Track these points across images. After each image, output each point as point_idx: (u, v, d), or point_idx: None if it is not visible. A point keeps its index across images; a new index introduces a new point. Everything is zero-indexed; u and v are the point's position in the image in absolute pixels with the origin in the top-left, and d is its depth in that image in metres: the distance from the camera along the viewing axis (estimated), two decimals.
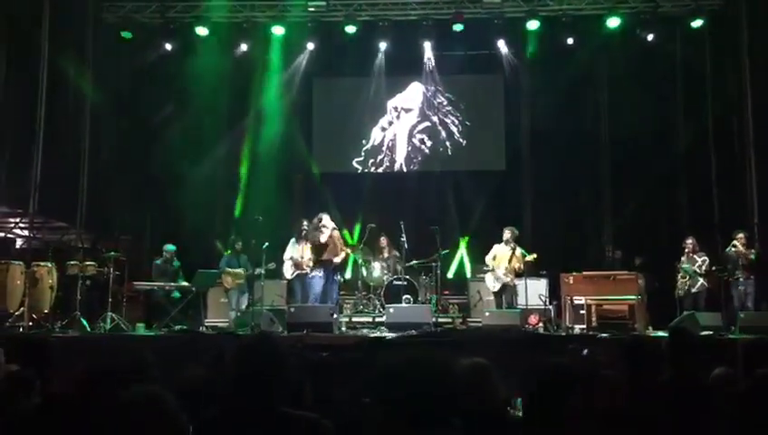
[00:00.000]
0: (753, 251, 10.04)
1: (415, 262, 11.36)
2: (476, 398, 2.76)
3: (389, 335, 8.69)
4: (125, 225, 12.23)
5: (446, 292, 11.92)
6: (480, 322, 9.92)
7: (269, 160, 13.43)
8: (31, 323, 8.98)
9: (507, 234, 10.27)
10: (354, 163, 14.14)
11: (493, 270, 10.34)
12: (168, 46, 12.73)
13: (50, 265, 9.40)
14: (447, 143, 14.11)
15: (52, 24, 10.81)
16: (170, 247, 10.74)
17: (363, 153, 14.18)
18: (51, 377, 3.54)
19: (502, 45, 12.99)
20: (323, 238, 10.16)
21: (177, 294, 10.26)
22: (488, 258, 10.40)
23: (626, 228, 12.46)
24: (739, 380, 3.74)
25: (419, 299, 10.90)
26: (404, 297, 10.78)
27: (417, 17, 12.70)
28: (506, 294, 10.22)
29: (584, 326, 9.51)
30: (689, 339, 3.63)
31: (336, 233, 10.33)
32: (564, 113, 12.97)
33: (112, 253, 9.87)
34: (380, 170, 14.17)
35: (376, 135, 14.24)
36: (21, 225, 11.06)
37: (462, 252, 13.07)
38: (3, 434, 2.82)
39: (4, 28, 10.48)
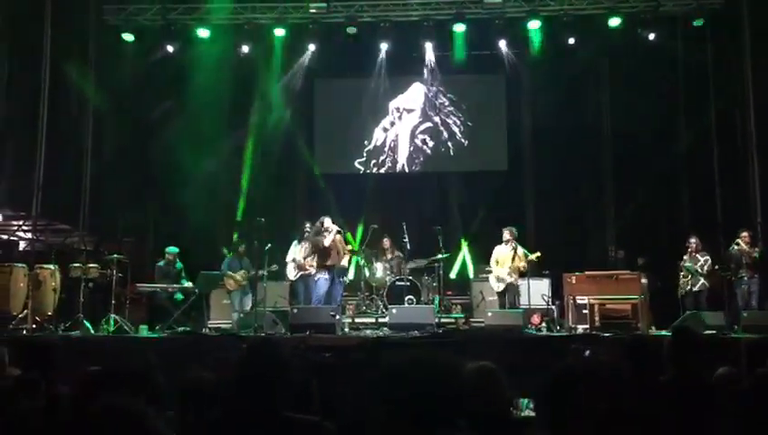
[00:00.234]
0: (756, 250, 10.03)
1: (417, 262, 11.36)
2: (483, 400, 2.76)
3: (392, 336, 8.70)
4: (128, 227, 12.25)
5: (449, 292, 11.92)
6: (483, 322, 9.91)
7: (271, 162, 13.46)
8: (34, 326, 9.00)
9: (507, 234, 10.25)
10: (356, 164, 14.15)
11: (494, 272, 10.32)
12: (170, 48, 12.74)
13: (53, 267, 9.42)
14: (449, 143, 14.11)
15: (55, 26, 10.82)
16: (173, 249, 10.76)
17: (365, 154, 14.19)
18: (54, 379, 3.55)
19: (503, 45, 12.97)
20: (326, 242, 10.13)
21: (179, 296, 10.28)
22: (492, 262, 10.38)
23: (628, 228, 12.45)
24: (742, 379, 3.74)
25: (422, 300, 10.91)
26: (407, 298, 10.78)
27: (419, 18, 12.69)
28: (509, 293, 10.20)
29: (587, 326, 9.50)
30: (692, 338, 3.62)
31: (339, 236, 10.31)
32: (566, 113, 12.97)
33: (115, 255, 9.88)
34: (382, 171, 14.18)
35: (378, 136, 14.25)
36: (24, 227, 11.07)
37: (464, 252, 13.06)
38: None
39: (7, 30, 10.50)
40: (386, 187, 13.76)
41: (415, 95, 14.31)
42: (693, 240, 10.32)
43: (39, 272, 9.30)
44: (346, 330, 9.85)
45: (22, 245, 11.18)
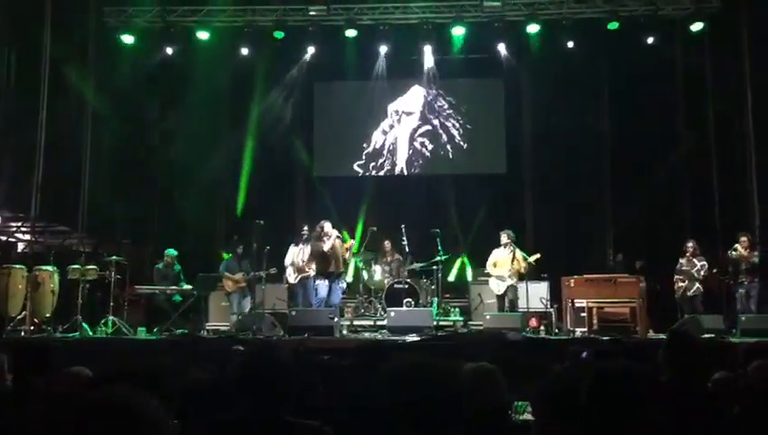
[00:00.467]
0: (756, 254, 10.03)
1: (416, 265, 11.37)
2: (481, 400, 2.76)
3: (391, 339, 8.70)
4: (126, 229, 12.26)
5: (447, 295, 11.92)
6: (481, 325, 9.92)
7: (270, 164, 13.48)
8: (33, 328, 9.00)
9: (504, 237, 10.26)
10: (355, 167, 14.16)
11: (494, 273, 10.33)
12: (169, 50, 12.75)
13: (52, 269, 9.41)
14: (448, 146, 14.13)
15: (54, 27, 10.84)
16: (172, 252, 10.76)
17: (364, 157, 14.19)
18: (53, 381, 3.55)
19: (502, 49, 12.99)
20: (326, 247, 10.09)
21: (178, 298, 10.28)
22: (489, 265, 10.38)
23: (627, 231, 12.47)
24: (739, 383, 3.74)
25: (420, 302, 10.90)
26: (405, 301, 10.78)
27: (418, 21, 12.71)
28: (509, 295, 10.21)
29: (585, 329, 9.51)
30: (688, 342, 3.63)
31: (338, 241, 10.29)
32: (565, 116, 12.98)
33: (114, 257, 9.88)
34: (381, 174, 14.19)
35: (377, 138, 14.27)
36: (23, 229, 11.08)
37: (463, 255, 13.06)
38: None
39: (7, 31, 10.51)
40: (385, 189, 13.77)
41: (414, 98, 14.32)
42: (690, 244, 10.32)
43: (38, 273, 9.29)
44: (344, 332, 9.85)
45: (20, 246, 11.19)
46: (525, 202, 13.65)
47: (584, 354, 4.57)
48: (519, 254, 10.18)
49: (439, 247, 10.80)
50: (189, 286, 10.38)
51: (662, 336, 8.00)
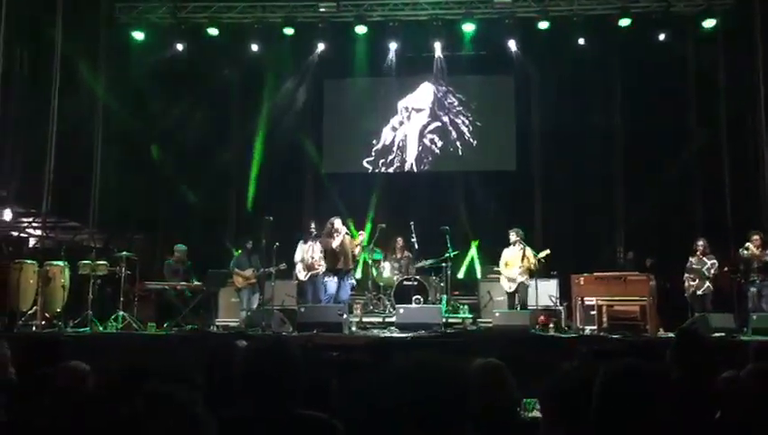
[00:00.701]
0: (767, 253, 9.95)
1: (426, 262, 11.36)
2: (489, 397, 2.75)
3: (399, 336, 8.70)
4: (137, 225, 12.31)
5: (457, 292, 11.90)
6: (490, 322, 9.90)
7: (280, 161, 13.50)
8: (44, 322, 9.05)
9: (513, 236, 10.23)
10: (365, 163, 14.16)
11: (504, 273, 10.31)
12: (180, 46, 12.78)
13: (62, 264, 9.46)
14: (458, 143, 14.10)
15: (66, 24, 10.89)
16: (182, 247, 10.80)
17: (374, 153, 14.19)
18: (63, 376, 3.57)
19: (513, 45, 12.94)
20: (335, 244, 10.09)
21: (188, 294, 10.31)
22: (501, 265, 10.36)
23: (638, 229, 12.41)
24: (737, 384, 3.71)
25: (429, 299, 10.88)
26: (414, 298, 10.77)
27: (428, 17, 12.69)
28: (520, 293, 10.19)
29: (595, 327, 9.47)
30: (697, 340, 3.61)
31: (348, 238, 10.30)
32: (575, 113, 12.92)
33: (124, 252, 9.93)
34: (391, 170, 14.18)
35: (386, 135, 14.25)
36: (34, 224, 11.15)
37: (472, 252, 13.05)
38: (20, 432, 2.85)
39: (19, 28, 10.56)
40: (394, 186, 13.76)
41: (424, 95, 14.30)
42: (700, 242, 10.25)
43: (48, 269, 9.34)
44: (353, 329, 9.85)
45: (32, 241, 11.26)
46: (535, 199, 13.60)
47: (593, 354, 4.55)
48: (528, 251, 10.15)
49: (448, 245, 10.78)
50: (199, 282, 10.43)
51: (672, 335, 7.96)
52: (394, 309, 10.30)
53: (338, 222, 10.22)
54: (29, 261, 9.37)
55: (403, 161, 14.21)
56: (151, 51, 12.73)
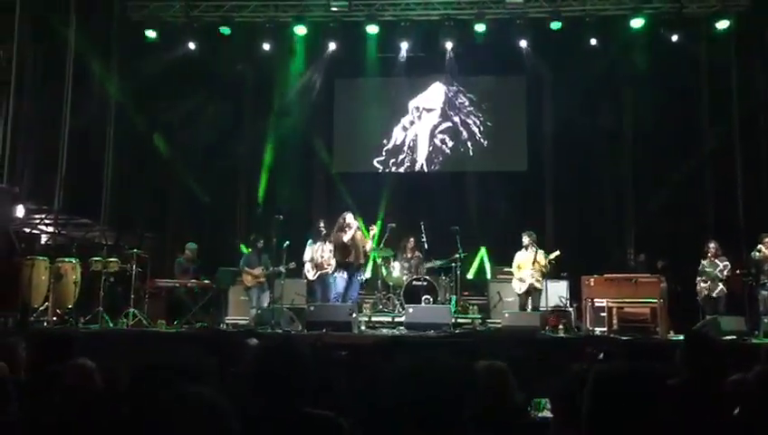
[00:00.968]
0: None
1: (436, 262, 11.35)
2: (493, 400, 2.76)
3: (409, 335, 8.70)
4: (148, 222, 12.38)
5: (466, 293, 11.89)
6: (500, 323, 9.88)
7: (290, 160, 13.53)
8: (55, 319, 9.12)
9: (526, 239, 10.24)
10: (375, 163, 14.16)
11: (516, 275, 10.30)
12: (192, 45, 12.83)
13: (74, 261, 9.53)
14: (469, 144, 14.07)
15: (79, 22, 10.97)
16: (192, 246, 10.86)
17: (384, 153, 14.19)
18: (70, 373, 3.59)
19: (524, 46, 12.90)
20: (346, 238, 10.12)
21: (197, 291, 10.36)
22: (513, 267, 10.36)
23: (649, 231, 12.34)
24: (758, 385, 3.69)
25: (439, 299, 10.88)
26: (423, 297, 10.76)
27: (439, 17, 12.68)
28: (533, 296, 10.17)
29: (605, 329, 9.44)
30: (706, 343, 3.60)
31: (359, 234, 10.32)
32: (587, 114, 12.87)
33: (135, 250, 9.99)
34: (401, 170, 14.17)
35: (397, 135, 14.25)
36: (46, 221, 11.22)
37: (482, 253, 13.02)
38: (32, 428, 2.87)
39: (33, 26, 10.64)
40: (404, 186, 13.75)
41: (435, 95, 14.28)
42: (712, 244, 10.19)
43: (60, 265, 9.41)
44: (362, 328, 9.87)
45: (43, 238, 11.33)
46: (546, 200, 13.55)
47: (602, 355, 4.55)
48: (540, 254, 10.15)
49: (458, 245, 10.77)
50: (209, 281, 10.47)
51: (682, 337, 7.92)
52: (403, 309, 10.31)
53: (349, 217, 10.25)
54: (41, 257, 9.44)
55: (414, 161, 14.20)
56: (164, 49, 12.78)
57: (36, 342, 4.06)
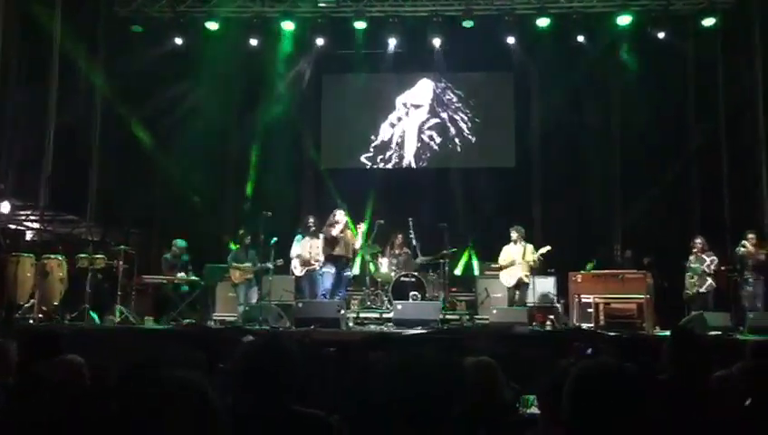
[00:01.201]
0: (763, 251, 9.98)
1: (424, 259, 11.37)
2: (481, 396, 2.77)
3: (397, 332, 8.71)
4: (134, 218, 12.31)
5: (454, 289, 11.92)
6: (488, 319, 9.92)
7: (278, 156, 13.47)
8: (41, 316, 9.05)
9: (514, 234, 10.29)
10: (363, 159, 14.15)
11: (507, 266, 10.34)
12: (179, 40, 12.76)
13: (60, 257, 9.46)
14: (457, 140, 14.09)
15: (65, 17, 10.88)
16: (180, 243, 10.81)
17: (372, 149, 14.18)
18: (59, 369, 3.57)
19: (512, 42, 12.93)
20: (334, 232, 10.17)
21: (185, 288, 10.33)
22: (501, 260, 10.40)
23: (636, 227, 12.41)
24: (745, 380, 3.73)
25: (427, 296, 10.90)
26: (411, 294, 10.78)
27: (427, 13, 12.68)
28: (521, 290, 10.22)
29: (592, 325, 9.49)
30: (692, 339, 3.62)
31: (349, 232, 10.34)
32: (574, 111, 12.94)
33: (122, 246, 9.93)
34: (389, 167, 14.17)
35: (385, 131, 14.24)
36: (31, 217, 11.14)
37: (470, 249, 13.04)
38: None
39: (18, 21, 10.54)
40: (392, 182, 13.75)
41: (422, 91, 14.29)
42: (698, 240, 10.27)
43: (46, 262, 9.34)
44: (351, 325, 9.87)
45: (29, 235, 11.24)
46: (534, 196, 13.61)
47: (589, 351, 4.58)
48: (529, 248, 10.19)
49: (446, 241, 10.80)
50: (197, 277, 10.43)
51: (668, 333, 7.97)
52: (391, 305, 10.32)
53: (339, 214, 10.27)
54: (26, 254, 9.35)
55: (401, 158, 14.20)
56: (150, 45, 12.70)
57: (22, 339, 4.03)
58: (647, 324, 9.34)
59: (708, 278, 10.07)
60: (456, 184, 13.50)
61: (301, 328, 8.56)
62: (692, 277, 10.19)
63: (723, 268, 10.10)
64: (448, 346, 6.83)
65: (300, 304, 9.52)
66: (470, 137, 14.05)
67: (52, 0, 10.80)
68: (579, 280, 10.07)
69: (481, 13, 12.49)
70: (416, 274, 11.14)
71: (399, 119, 14.27)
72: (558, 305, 10.35)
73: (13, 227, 10.99)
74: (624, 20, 12.20)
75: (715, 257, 10.10)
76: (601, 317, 9.54)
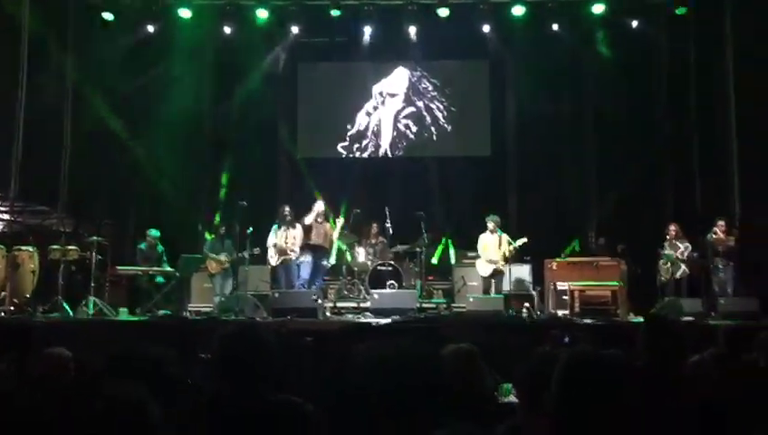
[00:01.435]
0: (732, 238, 10.17)
1: (401, 247, 11.38)
2: (462, 382, 2.77)
3: (374, 321, 8.72)
4: (107, 209, 12.15)
5: (431, 277, 11.95)
6: (464, 307, 9.97)
7: (254, 145, 13.37)
8: (12, 308, 8.92)
9: (491, 224, 10.35)
10: (339, 148, 14.09)
11: (483, 257, 10.39)
12: (151, 28, 12.57)
13: (31, 249, 9.33)
14: (433, 129, 14.08)
15: (34, 4, 10.66)
16: (154, 232, 10.70)
17: (348, 138, 14.12)
18: (33, 362, 3.52)
19: (487, 30, 12.93)
20: (307, 220, 10.26)
21: (160, 279, 10.23)
22: (479, 248, 10.45)
23: (610, 215, 12.52)
24: (717, 366, 3.79)
25: (404, 285, 10.92)
26: (388, 283, 10.79)
27: (402, 2, 12.62)
28: (496, 279, 10.29)
29: (567, 312, 9.59)
30: (666, 325, 3.65)
31: (327, 224, 10.41)
32: (550, 99, 12.97)
33: (95, 237, 9.81)
34: (365, 156, 14.13)
35: (361, 120, 14.19)
36: (1, 208, 10.94)
37: (447, 238, 13.08)
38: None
39: None
40: (369, 171, 13.71)
41: (398, 80, 14.24)
42: (672, 227, 10.43)
43: (17, 254, 9.21)
44: (328, 314, 9.86)
45: None
46: (509, 185, 13.65)
47: (566, 339, 4.61)
48: (505, 238, 10.25)
49: (423, 230, 10.82)
50: (172, 268, 10.34)
51: (642, 319, 8.07)
52: (368, 294, 10.33)
53: (318, 203, 10.44)
54: None
55: (377, 147, 14.16)
56: (122, 32, 12.50)
57: None
58: (621, 311, 9.46)
59: (682, 265, 10.23)
60: (432, 173, 13.50)
61: (277, 318, 8.54)
62: (666, 264, 10.34)
63: (695, 255, 10.26)
64: (426, 335, 6.85)
65: (276, 295, 9.49)
66: (446, 126, 14.05)
67: None
68: (554, 268, 10.17)
69: (456, 1, 12.46)
70: (392, 263, 11.15)
71: (375, 108, 14.22)
72: (534, 293, 10.43)
73: None
74: (598, 8, 12.25)
75: (688, 244, 10.26)
76: (577, 304, 9.64)
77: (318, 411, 2.47)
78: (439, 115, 14.09)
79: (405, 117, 14.19)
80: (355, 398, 1.95)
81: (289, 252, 10.35)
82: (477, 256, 10.50)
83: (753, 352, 3.75)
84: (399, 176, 13.43)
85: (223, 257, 10.52)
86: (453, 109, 14.02)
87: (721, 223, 10.17)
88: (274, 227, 10.59)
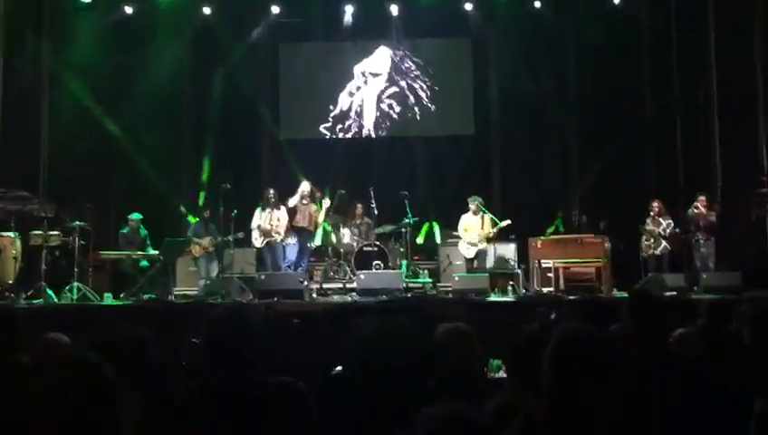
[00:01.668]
0: (713, 213, 10.28)
1: (386, 228, 11.38)
2: (455, 361, 2.78)
3: (360, 301, 8.74)
4: (89, 193, 12.04)
5: (417, 257, 11.98)
6: (450, 286, 10.01)
7: (236, 127, 13.27)
8: None
9: (473, 205, 10.34)
10: (322, 129, 14.01)
11: (465, 238, 10.41)
12: (129, 10, 12.39)
13: (13, 235, 9.25)
14: (416, 108, 14.03)
15: None
16: (136, 216, 10.62)
17: (331, 119, 14.04)
18: (17, 349, 3.48)
19: (470, 8, 12.86)
20: (290, 203, 10.25)
21: (144, 263, 10.18)
22: (460, 229, 10.47)
23: (593, 193, 12.58)
24: (700, 339, 3.84)
25: (390, 265, 10.93)
26: (374, 263, 10.80)
27: None
28: (479, 259, 10.32)
29: (552, 289, 9.66)
30: (650, 299, 3.69)
31: (313, 206, 10.40)
32: (532, 78, 12.95)
33: (77, 222, 9.73)
34: (349, 136, 14.06)
35: (343, 100, 14.10)
36: None
37: (431, 217, 13.08)
38: None
39: None
40: (352, 152, 13.66)
41: (381, 59, 14.15)
42: (655, 204, 10.50)
43: None
44: (314, 296, 9.87)
45: None
46: (493, 163, 13.66)
47: (552, 316, 4.65)
48: (488, 219, 10.26)
49: (408, 210, 10.82)
50: (155, 252, 10.28)
51: (626, 295, 8.15)
52: (354, 275, 10.34)
53: (303, 184, 10.47)
54: None
55: (361, 127, 14.10)
56: (99, 14, 12.30)
57: None
58: (605, 287, 9.55)
59: (663, 241, 10.32)
60: (415, 152, 13.48)
61: (264, 300, 8.53)
62: (648, 240, 10.43)
63: (677, 231, 10.35)
64: (416, 316, 6.87)
65: (262, 277, 9.48)
66: (429, 105, 14.00)
67: None
68: (538, 245, 10.22)
69: None
70: (378, 243, 11.15)
71: (358, 88, 14.13)
72: (518, 271, 10.49)
73: None
74: None
75: (671, 221, 10.36)
76: (561, 281, 9.72)
77: (307, 389, 2.48)
78: (422, 94, 14.03)
79: (388, 97, 14.12)
80: (343, 380, 1.95)
81: (273, 234, 10.33)
82: (461, 239, 10.52)
83: (733, 324, 3.80)
84: (383, 156, 13.39)
85: (207, 241, 10.46)
86: (436, 88, 13.97)
87: (702, 198, 10.27)
88: (258, 209, 10.55)
